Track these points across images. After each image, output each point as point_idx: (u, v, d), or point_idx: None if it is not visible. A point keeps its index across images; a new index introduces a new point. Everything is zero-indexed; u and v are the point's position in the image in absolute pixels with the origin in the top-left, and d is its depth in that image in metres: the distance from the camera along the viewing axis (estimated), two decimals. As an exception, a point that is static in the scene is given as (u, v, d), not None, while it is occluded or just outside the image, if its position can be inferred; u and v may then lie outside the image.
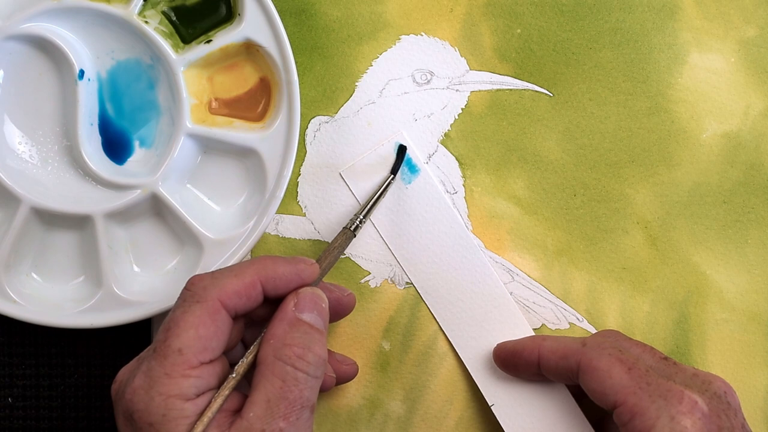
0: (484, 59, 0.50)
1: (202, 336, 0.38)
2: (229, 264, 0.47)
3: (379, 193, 0.48)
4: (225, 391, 0.39)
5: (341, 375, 0.46)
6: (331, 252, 0.45)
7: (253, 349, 0.40)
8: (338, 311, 0.45)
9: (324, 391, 0.41)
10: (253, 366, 0.40)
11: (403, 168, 0.49)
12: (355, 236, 0.46)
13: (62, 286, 0.48)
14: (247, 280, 0.40)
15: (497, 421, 0.48)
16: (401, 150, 0.48)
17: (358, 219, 0.46)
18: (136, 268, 0.49)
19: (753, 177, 0.50)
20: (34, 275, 0.48)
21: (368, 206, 0.47)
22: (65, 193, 0.47)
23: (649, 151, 0.50)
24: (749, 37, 0.50)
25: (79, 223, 0.47)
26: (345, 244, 0.46)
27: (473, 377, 0.48)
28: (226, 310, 0.39)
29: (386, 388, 0.49)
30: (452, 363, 0.49)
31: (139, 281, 0.48)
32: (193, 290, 0.40)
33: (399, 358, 0.49)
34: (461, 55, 0.50)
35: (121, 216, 0.47)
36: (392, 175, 0.48)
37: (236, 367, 0.40)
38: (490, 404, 0.48)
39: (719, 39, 0.50)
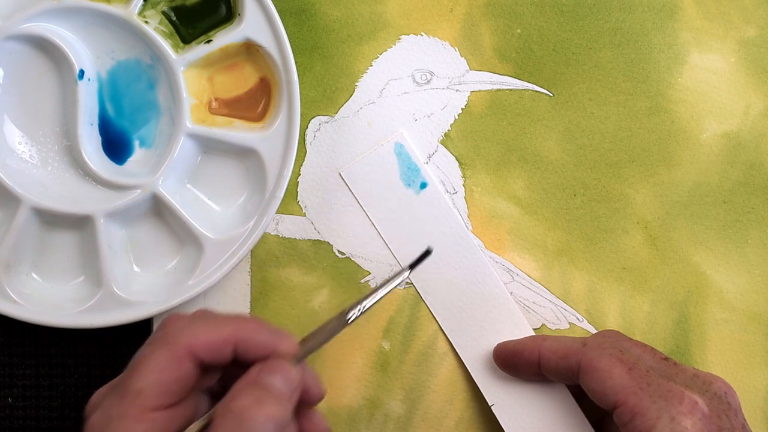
0: (484, 59, 0.50)
1: (164, 380, 0.37)
2: (229, 264, 0.47)
3: (391, 287, 0.42)
4: None
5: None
6: (318, 334, 0.41)
7: (210, 413, 0.39)
8: (303, 398, 0.41)
9: None
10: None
11: (404, 169, 0.49)
12: (348, 325, 0.41)
13: (62, 286, 0.48)
14: (223, 334, 0.38)
15: (497, 421, 0.48)
16: (426, 253, 0.43)
17: (359, 311, 0.41)
18: (136, 268, 0.49)
19: (753, 177, 0.50)
20: (34, 275, 0.48)
21: (376, 300, 0.42)
22: (65, 193, 0.47)
23: (649, 151, 0.50)
24: (749, 37, 0.50)
25: (79, 223, 0.47)
26: (336, 331, 0.41)
27: (473, 377, 0.48)
28: (194, 358, 0.38)
29: (386, 388, 0.49)
30: (452, 363, 0.49)
31: (139, 281, 0.48)
32: (165, 330, 0.39)
33: (399, 358, 0.49)
34: (461, 55, 0.50)
35: (121, 216, 0.47)
36: (410, 270, 0.43)
37: (188, 428, 0.38)
38: (490, 404, 0.48)
39: (719, 39, 0.50)
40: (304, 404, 0.41)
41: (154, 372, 0.37)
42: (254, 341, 0.39)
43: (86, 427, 0.38)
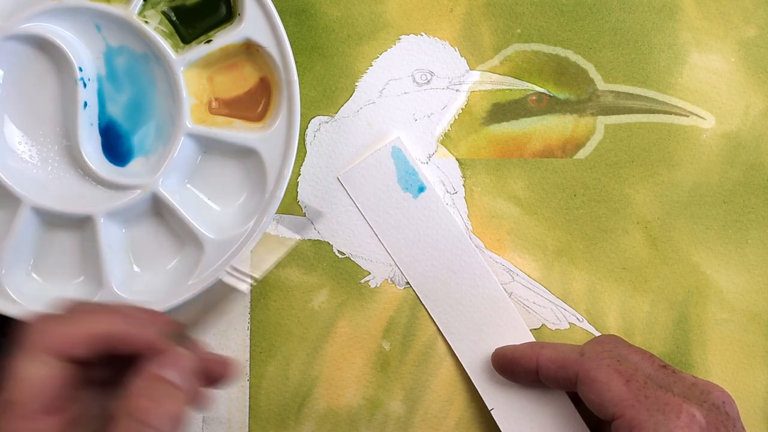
0: (484, 59, 0.50)
1: (38, 386, 0.35)
2: (230, 264, 0.47)
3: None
4: None
5: (213, 375, 0.40)
6: (203, 309, 0.39)
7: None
8: (209, 377, 0.40)
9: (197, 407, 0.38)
10: None
11: (402, 173, 0.49)
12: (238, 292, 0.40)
13: (62, 286, 0.48)
14: (86, 330, 0.36)
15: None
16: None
17: (237, 273, 0.39)
18: (136, 268, 0.49)
19: (753, 177, 0.50)
20: (34, 275, 0.48)
21: (264, 271, 0.41)
22: (65, 193, 0.47)
23: (649, 151, 0.50)
24: (749, 37, 0.50)
25: (79, 223, 0.47)
26: (221, 301, 0.39)
27: (473, 381, 0.48)
28: (63, 357, 0.36)
29: (386, 388, 0.49)
30: (452, 363, 0.49)
31: (139, 281, 0.48)
32: (27, 333, 0.36)
33: (399, 358, 0.49)
34: (461, 55, 0.50)
35: (121, 216, 0.47)
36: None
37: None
38: (489, 408, 0.48)
39: (719, 39, 0.50)
40: (211, 382, 0.40)
41: (25, 380, 0.35)
42: (126, 334, 0.37)
43: None
